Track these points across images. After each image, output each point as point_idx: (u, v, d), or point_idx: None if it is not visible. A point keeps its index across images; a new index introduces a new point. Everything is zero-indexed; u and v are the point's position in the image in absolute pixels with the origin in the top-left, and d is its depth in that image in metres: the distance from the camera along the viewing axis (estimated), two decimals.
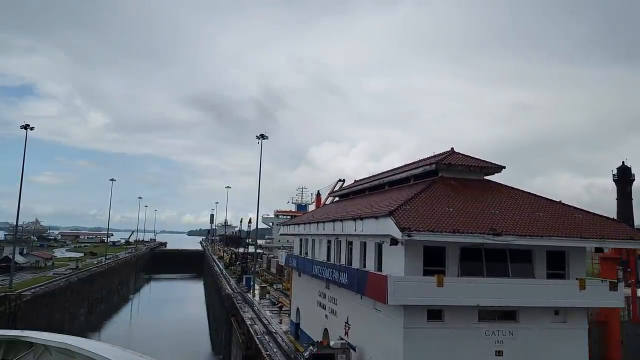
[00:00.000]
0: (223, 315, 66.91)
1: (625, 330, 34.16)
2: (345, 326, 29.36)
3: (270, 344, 38.75)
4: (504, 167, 30.31)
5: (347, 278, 27.76)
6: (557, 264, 24.45)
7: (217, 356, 69.34)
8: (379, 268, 25.17)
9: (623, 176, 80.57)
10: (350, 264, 29.10)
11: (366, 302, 25.61)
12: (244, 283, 76.05)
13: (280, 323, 48.01)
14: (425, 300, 21.97)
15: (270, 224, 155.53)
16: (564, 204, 27.80)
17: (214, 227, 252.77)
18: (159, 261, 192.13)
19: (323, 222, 33.56)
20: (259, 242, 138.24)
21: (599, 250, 25.95)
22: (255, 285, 70.10)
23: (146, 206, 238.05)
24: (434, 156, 32.47)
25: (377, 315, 24.75)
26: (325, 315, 33.70)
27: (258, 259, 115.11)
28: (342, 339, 29.00)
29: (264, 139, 69.83)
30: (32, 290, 67.96)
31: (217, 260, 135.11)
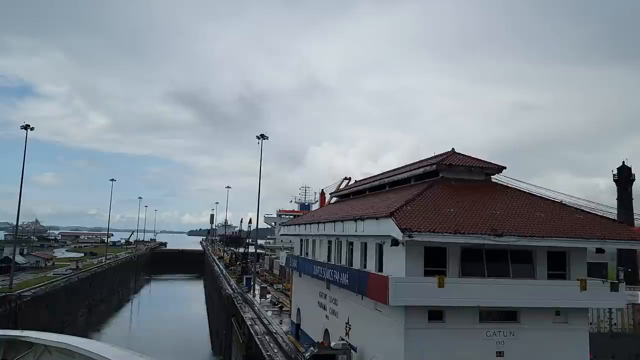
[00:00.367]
0: (223, 316, 66.86)
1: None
2: (346, 327, 29.33)
3: (271, 345, 38.73)
4: (505, 168, 30.26)
5: (347, 279, 27.72)
6: (558, 265, 24.41)
7: (217, 357, 69.32)
8: (380, 269, 25.13)
9: (623, 176, 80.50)
10: (351, 265, 29.06)
11: (367, 302, 25.58)
12: (244, 283, 75.98)
13: (281, 323, 47.97)
14: (426, 301, 21.95)
15: (273, 223, 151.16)
16: (564, 205, 27.77)
17: (214, 227, 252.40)
18: (159, 261, 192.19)
19: (324, 222, 33.51)
20: (260, 242, 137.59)
21: (599, 250, 25.89)
22: (256, 285, 70.04)
23: (146, 206, 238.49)
24: (435, 157, 32.44)
25: (378, 316, 24.71)
26: (326, 316, 33.66)
27: (260, 260, 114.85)
28: (342, 339, 28.96)
29: (264, 139, 69.90)
30: (33, 291, 68.02)
31: (217, 261, 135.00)
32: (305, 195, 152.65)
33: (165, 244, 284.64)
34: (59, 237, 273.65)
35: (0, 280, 74.64)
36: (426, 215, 22.73)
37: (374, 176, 42.21)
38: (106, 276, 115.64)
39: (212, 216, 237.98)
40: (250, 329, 44.70)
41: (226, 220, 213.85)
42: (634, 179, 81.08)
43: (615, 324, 44.83)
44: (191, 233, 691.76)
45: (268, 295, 65.49)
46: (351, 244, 29.61)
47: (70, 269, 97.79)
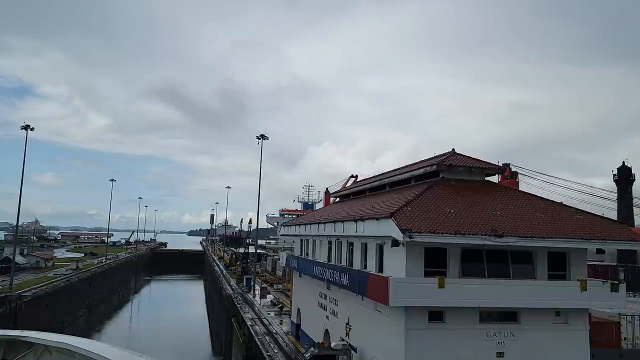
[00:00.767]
0: (223, 316, 66.86)
1: None
2: (346, 327, 29.32)
3: (271, 345, 38.73)
4: (505, 169, 30.26)
5: (348, 279, 27.72)
6: (558, 265, 24.39)
7: (217, 357, 69.30)
8: (380, 269, 25.13)
9: (623, 176, 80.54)
10: (351, 265, 29.05)
11: (367, 303, 25.57)
12: (244, 283, 75.98)
13: (281, 324, 47.96)
14: (427, 302, 21.94)
15: (276, 223, 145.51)
16: (564, 205, 27.78)
17: (214, 227, 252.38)
18: (159, 261, 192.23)
19: (324, 223, 33.51)
20: (261, 242, 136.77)
21: (600, 251, 25.89)
22: (256, 285, 70.03)
23: (146, 206, 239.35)
24: (435, 157, 32.45)
25: (378, 317, 24.71)
26: (326, 316, 33.65)
27: (262, 261, 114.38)
28: (343, 340, 28.95)
29: (264, 139, 69.95)
30: (33, 291, 68.01)
31: (217, 261, 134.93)
32: (308, 195, 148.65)
33: (165, 244, 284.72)
34: (59, 237, 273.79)
35: (1, 281, 74.64)
36: (426, 216, 22.72)
37: (374, 176, 42.22)
38: (106, 276, 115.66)
39: (212, 216, 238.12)
40: (251, 329, 44.71)
41: (226, 220, 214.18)
42: (634, 179, 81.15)
43: None
44: (191, 233, 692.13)
45: (268, 296, 65.48)
46: (351, 244, 29.61)
47: (71, 269, 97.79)
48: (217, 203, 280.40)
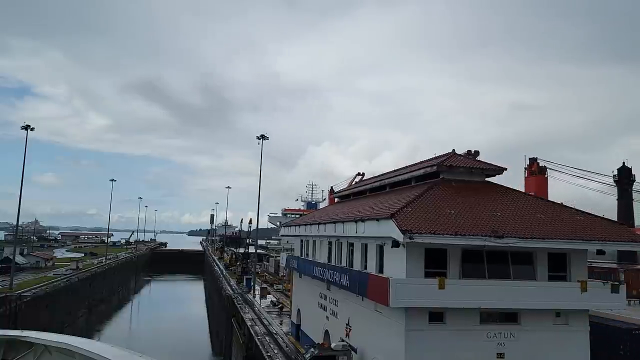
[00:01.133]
0: (223, 316, 66.87)
1: None
2: (347, 328, 29.31)
3: (271, 345, 38.72)
4: (505, 169, 30.31)
5: (348, 280, 27.71)
6: (558, 266, 24.39)
7: (217, 357, 69.32)
8: (380, 270, 25.13)
9: (623, 177, 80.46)
10: (352, 266, 29.05)
11: (367, 304, 25.56)
12: (244, 284, 75.96)
13: (281, 324, 47.95)
14: (427, 303, 21.93)
15: (278, 223, 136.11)
16: (565, 206, 27.78)
17: (214, 227, 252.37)
18: (159, 261, 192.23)
19: (324, 223, 33.51)
20: (261, 242, 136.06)
21: (600, 252, 25.89)
22: (256, 286, 70.04)
23: (146, 206, 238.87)
24: (435, 158, 32.46)
25: (378, 317, 24.70)
26: (326, 317, 33.65)
27: (264, 262, 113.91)
28: (343, 340, 28.95)
29: (264, 139, 69.96)
30: (33, 291, 68.00)
31: (217, 261, 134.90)
32: (312, 194, 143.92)
33: (165, 244, 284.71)
34: (59, 237, 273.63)
35: (1, 281, 74.59)
36: (427, 217, 22.72)
37: (374, 177, 42.26)
38: (106, 276, 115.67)
39: (212, 216, 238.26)
40: (251, 329, 44.70)
41: (226, 220, 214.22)
42: (634, 180, 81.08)
43: None
44: (191, 233, 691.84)
45: (268, 296, 65.44)
46: (351, 245, 29.60)
47: (71, 269, 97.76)
48: (217, 203, 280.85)
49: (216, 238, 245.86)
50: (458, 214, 23.59)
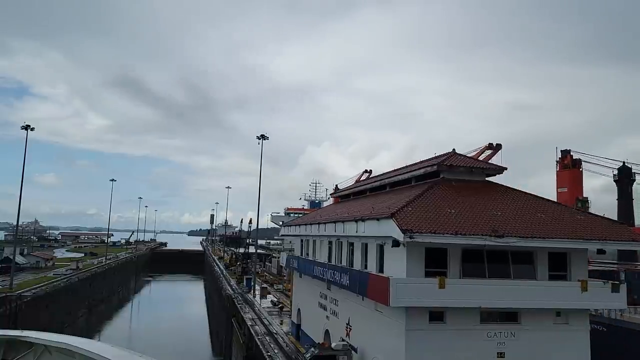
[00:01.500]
0: (223, 316, 66.86)
1: None
2: (347, 327, 29.30)
3: (272, 345, 38.72)
4: (506, 169, 30.28)
5: (348, 279, 27.70)
6: (558, 266, 24.38)
7: (217, 357, 69.29)
8: (381, 270, 25.12)
9: (624, 176, 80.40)
10: (352, 266, 29.04)
11: (367, 303, 25.55)
12: (244, 284, 75.97)
13: (281, 324, 47.94)
14: (427, 302, 21.92)
15: (280, 222, 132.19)
16: (565, 205, 27.77)
17: (214, 227, 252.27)
18: (159, 261, 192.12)
19: (324, 223, 33.50)
20: (261, 242, 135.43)
21: (600, 251, 25.88)
22: (256, 285, 70.04)
23: (146, 206, 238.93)
24: (435, 157, 32.44)
25: (378, 317, 24.69)
26: (327, 317, 33.63)
27: (267, 263, 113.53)
28: (343, 340, 28.93)
29: (264, 139, 69.96)
30: (33, 291, 67.97)
31: (217, 261, 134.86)
32: (315, 193, 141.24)
33: (165, 244, 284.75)
34: (59, 237, 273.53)
35: (1, 281, 74.57)
36: (427, 216, 22.71)
37: (374, 176, 42.25)
38: (106, 276, 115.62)
39: (212, 216, 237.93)
40: (251, 329, 44.69)
41: (226, 220, 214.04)
42: (634, 179, 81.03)
43: None
44: (191, 233, 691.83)
45: (268, 296, 65.46)
46: (352, 244, 29.60)
47: (71, 269, 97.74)
48: (217, 203, 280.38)
49: (216, 238, 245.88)
50: (458, 214, 23.57)
